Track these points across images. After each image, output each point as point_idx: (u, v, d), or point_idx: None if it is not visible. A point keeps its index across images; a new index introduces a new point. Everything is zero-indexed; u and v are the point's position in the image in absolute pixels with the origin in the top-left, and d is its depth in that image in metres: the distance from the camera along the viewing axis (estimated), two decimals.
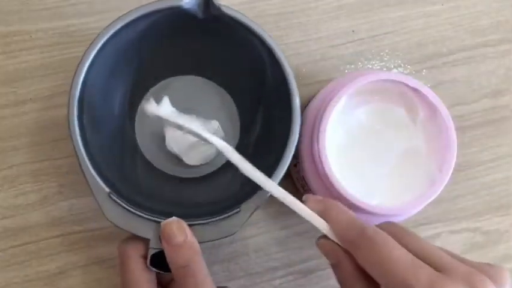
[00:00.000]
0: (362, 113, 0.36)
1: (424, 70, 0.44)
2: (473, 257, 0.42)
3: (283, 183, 0.32)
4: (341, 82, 0.35)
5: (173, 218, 0.30)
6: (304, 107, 0.38)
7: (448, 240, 0.42)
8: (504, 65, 0.44)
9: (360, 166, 0.35)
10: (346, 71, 0.43)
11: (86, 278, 0.39)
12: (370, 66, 0.43)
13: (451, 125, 0.33)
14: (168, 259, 0.29)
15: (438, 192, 0.33)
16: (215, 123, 0.38)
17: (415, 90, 0.34)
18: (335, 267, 0.28)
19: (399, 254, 0.24)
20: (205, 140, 0.33)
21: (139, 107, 0.40)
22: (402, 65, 0.44)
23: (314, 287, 0.40)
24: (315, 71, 0.43)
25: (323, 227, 0.29)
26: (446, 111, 0.33)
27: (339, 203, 0.29)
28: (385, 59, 0.44)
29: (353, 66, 0.43)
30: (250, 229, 0.40)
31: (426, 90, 0.33)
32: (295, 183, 0.40)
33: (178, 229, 0.29)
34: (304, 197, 0.30)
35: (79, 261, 0.39)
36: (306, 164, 0.35)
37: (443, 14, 0.45)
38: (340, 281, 0.28)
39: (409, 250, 0.25)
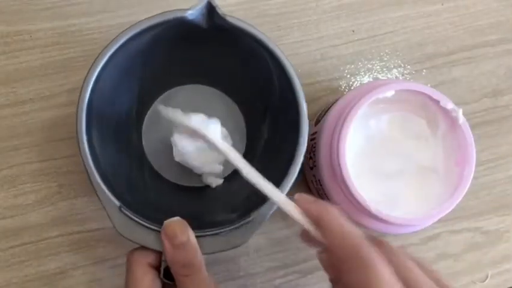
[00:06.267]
0: (383, 122, 0.35)
1: (424, 70, 0.44)
2: (473, 257, 0.42)
3: (297, 186, 0.32)
4: (363, 90, 0.35)
5: (177, 217, 0.29)
6: (323, 113, 0.38)
7: (448, 240, 0.42)
8: (504, 65, 0.44)
9: (378, 173, 0.34)
10: (346, 71, 0.43)
11: (86, 278, 0.39)
12: (370, 66, 0.43)
13: (471, 141, 0.33)
14: (169, 258, 0.29)
15: (454, 205, 0.33)
16: (216, 121, 0.38)
17: (437, 102, 0.33)
18: (335, 283, 0.27)
19: (389, 282, 0.23)
20: (213, 144, 0.32)
21: (146, 116, 0.40)
22: (402, 65, 0.44)
23: (314, 287, 0.40)
24: (315, 71, 0.43)
25: (316, 234, 0.27)
26: (468, 127, 0.33)
27: (333, 207, 0.27)
28: (385, 59, 0.44)
29: (353, 66, 0.43)
30: None
31: (449, 104, 0.33)
32: (309, 186, 0.40)
33: (180, 229, 0.29)
34: (296, 196, 0.29)
35: (79, 261, 0.39)
36: (324, 168, 0.35)
37: (443, 14, 0.45)
38: None
39: (398, 274, 0.24)
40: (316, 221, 0.27)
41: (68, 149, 0.40)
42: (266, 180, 0.30)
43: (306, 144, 0.32)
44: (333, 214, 0.27)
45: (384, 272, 0.23)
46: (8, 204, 0.39)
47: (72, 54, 0.41)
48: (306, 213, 0.28)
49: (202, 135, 0.33)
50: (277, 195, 0.29)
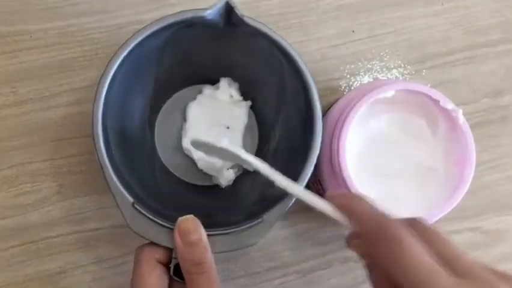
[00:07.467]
0: (383, 122, 0.35)
1: (424, 70, 0.44)
2: (473, 256, 0.42)
3: None
4: (363, 90, 0.35)
5: (190, 215, 0.30)
6: (323, 113, 0.38)
7: None
8: (504, 65, 0.44)
9: (378, 173, 0.34)
10: (346, 71, 0.43)
11: (86, 278, 0.39)
12: (370, 66, 0.43)
13: (472, 141, 0.33)
14: (180, 255, 0.29)
15: (455, 205, 0.33)
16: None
17: (437, 102, 0.33)
18: (371, 268, 0.27)
19: (419, 256, 0.23)
20: (238, 158, 0.32)
21: (159, 115, 0.40)
22: (402, 65, 0.44)
23: (314, 287, 0.40)
24: (315, 71, 0.43)
25: (347, 223, 0.28)
26: (468, 127, 0.33)
27: (361, 197, 0.28)
28: (385, 59, 0.44)
29: (353, 66, 0.43)
30: None
31: (449, 104, 0.33)
32: (309, 185, 0.40)
33: (194, 227, 0.29)
34: (328, 194, 0.29)
35: (79, 261, 0.39)
36: (324, 168, 0.35)
37: (443, 14, 0.45)
38: (375, 283, 0.27)
39: (431, 251, 0.24)
40: (348, 211, 0.28)
41: (68, 149, 0.40)
42: (296, 183, 0.30)
43: (320, 143, 0.32)
44: (364, 204, 0.27)
45: (413, 245, 0.23)
46: (8, 204, 0.39)
47: (72, 54, 0.41)
48: (338, 207, 0.28)
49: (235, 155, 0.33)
50: (308, 194, 0.29)
